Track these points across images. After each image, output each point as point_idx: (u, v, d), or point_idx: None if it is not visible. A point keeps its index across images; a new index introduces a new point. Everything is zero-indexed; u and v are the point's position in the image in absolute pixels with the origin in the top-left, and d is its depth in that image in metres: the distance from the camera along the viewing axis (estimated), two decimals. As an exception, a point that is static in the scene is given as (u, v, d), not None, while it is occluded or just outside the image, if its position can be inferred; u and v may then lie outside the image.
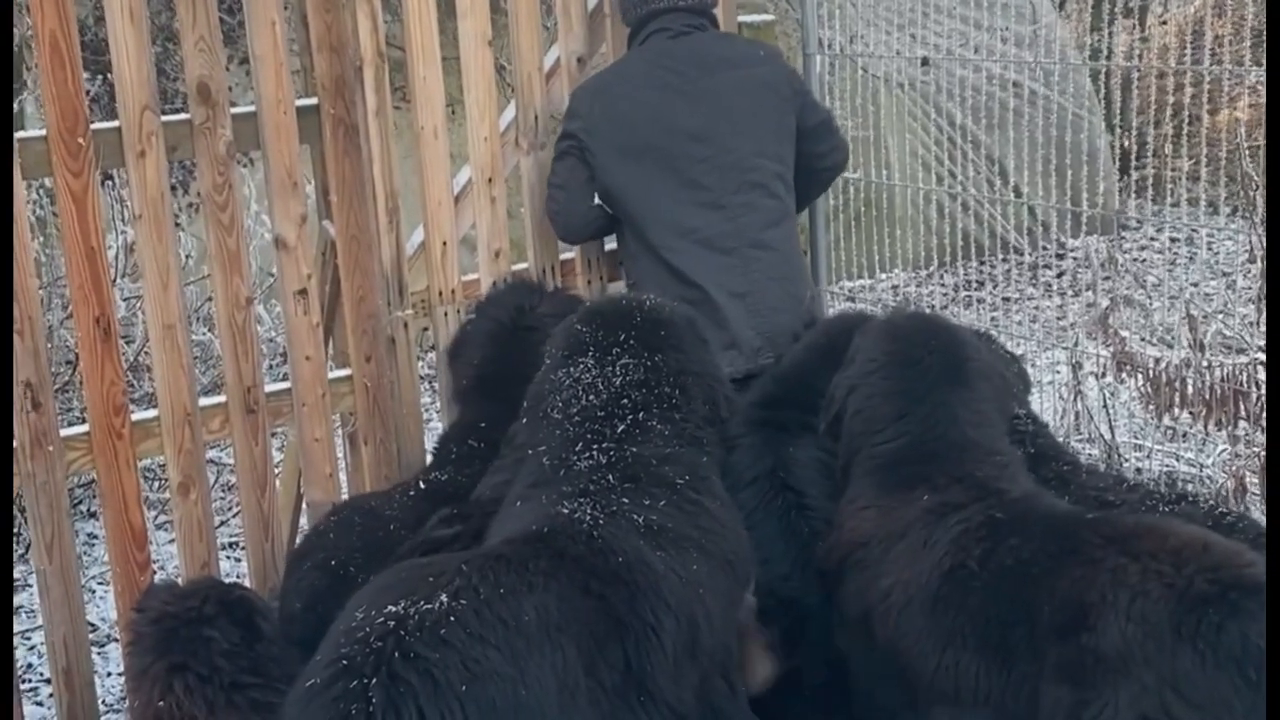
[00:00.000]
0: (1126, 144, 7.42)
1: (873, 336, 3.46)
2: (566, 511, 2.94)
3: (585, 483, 3.05)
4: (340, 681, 2.43)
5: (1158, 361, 3.77)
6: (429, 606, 2.51)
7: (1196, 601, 2.65)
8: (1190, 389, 3.73)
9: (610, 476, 3.07)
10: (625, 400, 3.26)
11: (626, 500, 3.00)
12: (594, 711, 2.66)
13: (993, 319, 6.03)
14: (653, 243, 4.10)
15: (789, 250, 4.19)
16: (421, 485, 3.62)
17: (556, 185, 4.23)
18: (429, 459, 3.95)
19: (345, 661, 2.46)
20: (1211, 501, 3.25)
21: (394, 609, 2.51)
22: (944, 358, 3.33)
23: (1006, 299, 6.21)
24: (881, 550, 3.13)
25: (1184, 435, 4.60)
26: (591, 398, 3.27)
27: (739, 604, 3.16)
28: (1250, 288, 6.61)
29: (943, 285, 6.70)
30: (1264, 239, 3.78)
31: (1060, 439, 4.45)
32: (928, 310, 3.79)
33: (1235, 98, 6.95)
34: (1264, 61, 3.38)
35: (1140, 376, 3.85)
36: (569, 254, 4.45)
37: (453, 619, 2.50)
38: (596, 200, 4.16)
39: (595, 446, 3.15)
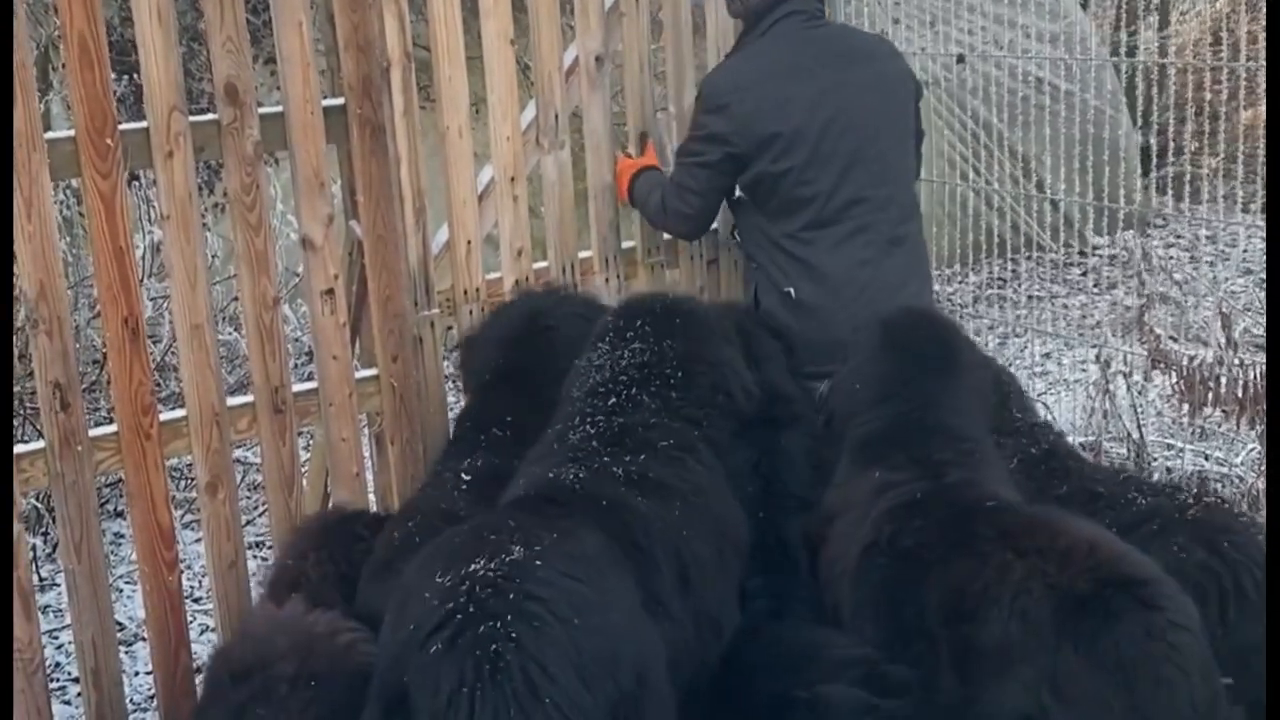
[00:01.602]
0: (1153, 141, 7.38)
1: (869, 329, 3.57)
2: (553, 476, 3.06)
3: (574, 451, 3.17)
4: (467, 631, 2.47)
5: (1192, 359, 3.74)
6: (513, 557, 2.59)
7: (1077, 602, 2.70)
8: (1224, 387, 3.70)
9: (595, 443, 3.19)
10: (624, 378, 3.38)
11: (608, 459, 3.12)
12: (653, 627, 2.78)
13: (1018, 316, 6.01)
14: (788, 232, 4.12)
15: (920, 246, 4.25)
16: (466, 476, 3.58)
17: (694, 192, 4.21)
18: (446, 449, 3.93)
19: (460, 615, 2.50)
20: (1195, 496, 3.25)
21: (478, 566, 2.57)
22: (932, 347, 3.44)
23: (1031, 297, 6.18)
24: (836, 525, 3.26)
25: (1211, 434, 4.57)
26: (597, 377, 3.40)
27: (731, 566, 3.20)
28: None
29: (969, 283, 6.67)
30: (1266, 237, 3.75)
31: (1090, 438, 4.44)
32: (931, 308, 3.81)
33: (1260, 94, 6.91)
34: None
35: (1174, 374, 3.82)
36: (586, 253, 4.47)
37: (540, 562, 2.59)
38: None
39: (589, 420, 3.27)
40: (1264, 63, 3.75)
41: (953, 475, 3.18)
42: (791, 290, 4.12)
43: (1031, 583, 2.76)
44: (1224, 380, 3.75)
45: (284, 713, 2.77)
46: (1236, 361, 3.64)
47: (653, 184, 4.39)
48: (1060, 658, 2.68)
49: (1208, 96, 3.90)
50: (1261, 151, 4.04)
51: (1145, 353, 4.16)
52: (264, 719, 2.77)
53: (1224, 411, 3.84)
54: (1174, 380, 3.92)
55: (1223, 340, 3.75)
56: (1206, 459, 4.59)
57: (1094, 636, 2.66)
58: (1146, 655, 2.61)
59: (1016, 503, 3.14)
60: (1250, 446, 4.47)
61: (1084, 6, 8.32)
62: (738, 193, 4.24)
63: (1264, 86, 6.81)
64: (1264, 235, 6.12)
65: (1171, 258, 6.20)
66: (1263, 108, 6.62)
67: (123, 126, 3.57)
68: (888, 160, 4.12)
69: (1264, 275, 6.84)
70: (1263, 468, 4.19)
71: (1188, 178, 4.17)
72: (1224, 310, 3.89)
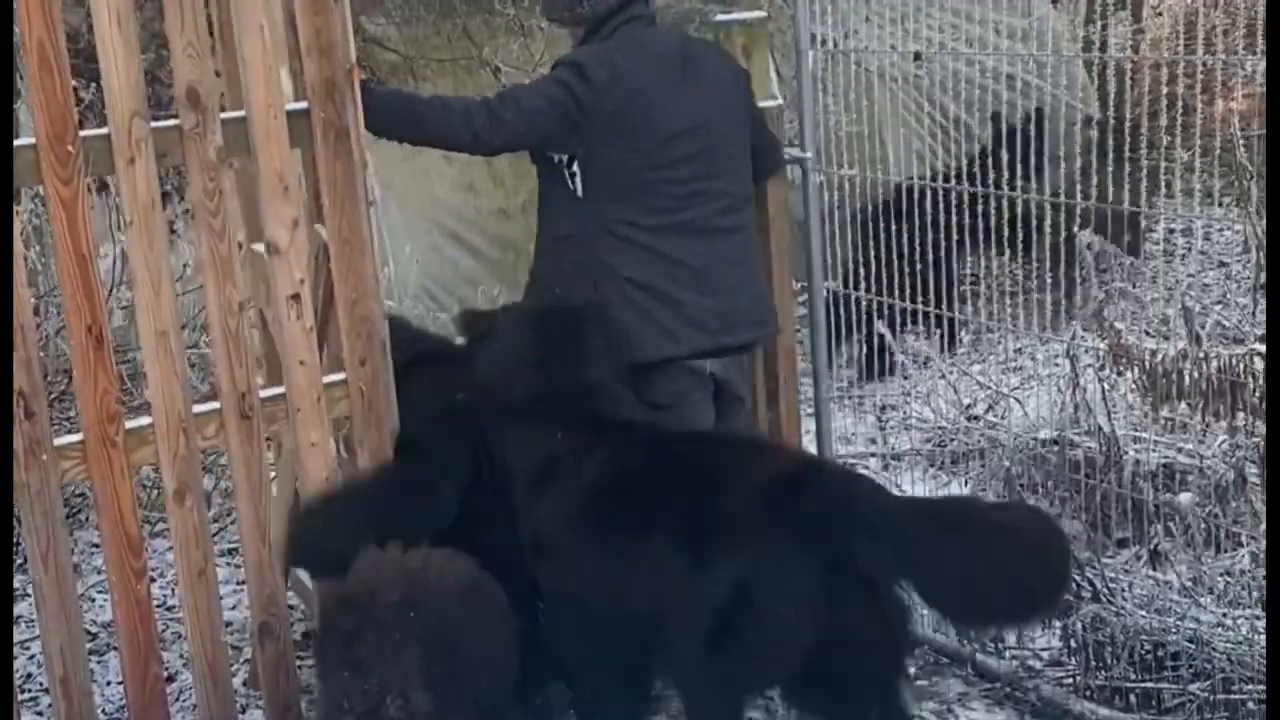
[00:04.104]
0: (1121, 136, 7.40)
1: (510, 316, 4.28)
2: None
3: None
4: None
5: (1154, 354, 3.75)
6: None
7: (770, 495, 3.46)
8: (1187, 380, 3.71)
9: None
10: None
11: None
12: None
13: (990, 312, 6.02)
14: (624, 219, 4.19)
15: (748, 235, 4.41)
16: None
17: (532, 109, 4.14)
18: None
19: None
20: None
21: None
22: (564, 321, 4.08)
23: (1003, 292, 6.19)
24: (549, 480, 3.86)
25: (1183, 427, 4.58)
26: None
27: None
28: (1249, 277, 6.61)
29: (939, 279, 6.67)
30: (1259, 232, 3.77)
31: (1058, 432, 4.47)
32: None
33: (1231, 88, 6.93)
34: (1259, 50, 3.35)
35: (1137, 369, 3.83)
36: None
37: None
38: (559, 160, 4.22)
39: None
40: (1230, 56, 3.75)
41: (620, 418, 3.91)
42: (635, 277, 4.20)
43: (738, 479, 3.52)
44: (1188, 374, 3.76)
45: (389, 635, 3.32)
46: (1200, 355, 3.64)
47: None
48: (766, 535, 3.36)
49: (1180, 90, 3.90)
50: (1230, 146, 4.06)
51: (1104, 347, 4.16)
52: (372, 642, 3.32)
53: (1189, 405, 3.85)
54: (1136, 375, 3.94)
55: (1184, 334, 3.75)
56: (1178, 451, 4.59)
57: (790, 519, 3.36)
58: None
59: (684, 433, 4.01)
60: (1220, 439, 4.47)
61: (1054, 2, 8.33)
62: (578, 184, 4.22)
63: (1233, 81, 6.85)
64: (1235, 228, 6.16)
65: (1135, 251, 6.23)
66: (1234, 103, 6.66)
67: (84, 133, 3.56)
68: (728, 155, 4.27)
69: (1236, 268, 6.88)
70: (1233, 459, 4.21)
71: (1156, 172, 4.17)
72: (1187, 304, 3.90)
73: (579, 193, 4.21)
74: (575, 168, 4.20)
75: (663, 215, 4.21)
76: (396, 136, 4.27)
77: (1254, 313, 4.26)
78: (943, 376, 5.69)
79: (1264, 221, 3.54)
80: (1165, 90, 3.93)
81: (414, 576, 3.47)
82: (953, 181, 4.28)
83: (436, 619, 3.38)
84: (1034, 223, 3.88)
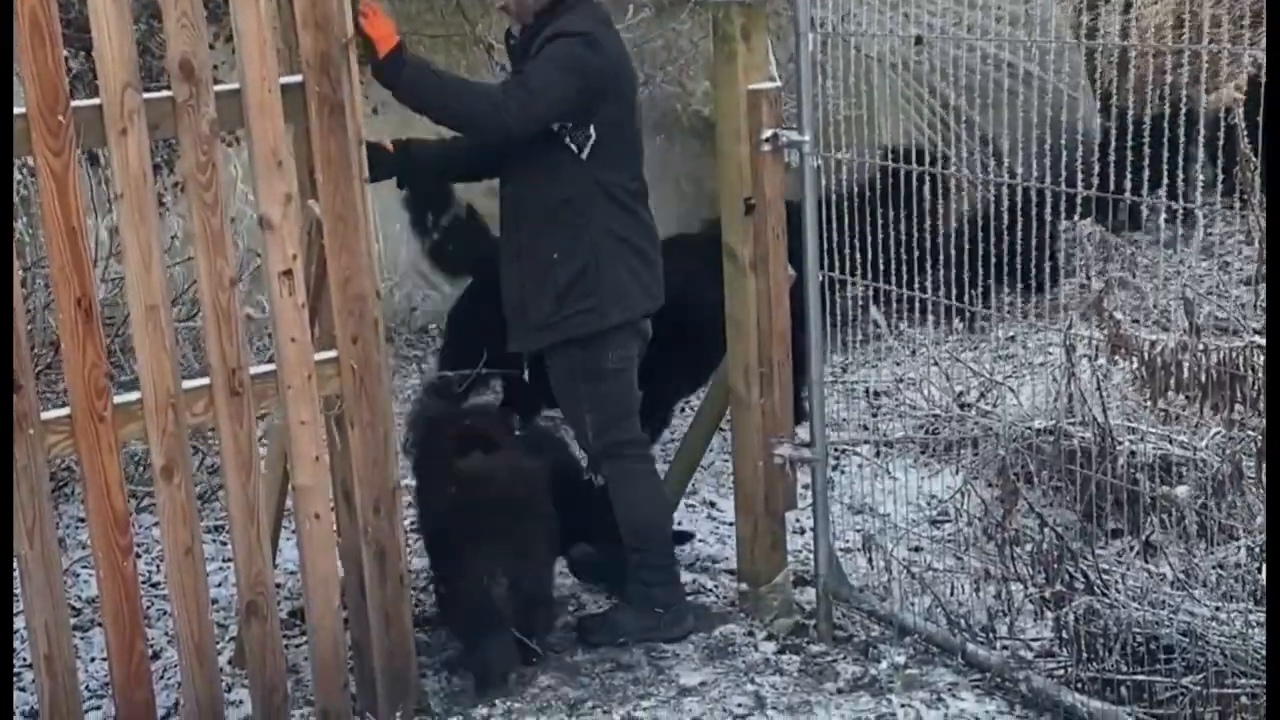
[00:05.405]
0: (1120, 125, 7.38)
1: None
2: None
3: None
4: None
5: (1153, 345, 3.72)
6: None
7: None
8: (1186, 372, 3.68)
9: None
10: None
11: None
12: None
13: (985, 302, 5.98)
14: (618, 182, 4.46)
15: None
16: None
17: (560, 94, 4.31)
18: None
19: None
20: None
21: None
22: None
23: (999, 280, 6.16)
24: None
25: (1176, 418, 4.56)
26: None
27: None
28: (1243, 269, 6.59)
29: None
30: (1261, 222, 3.73)
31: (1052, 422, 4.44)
32: None
33: (1230, 76, 6.91)
34: (1256, 39, 3.32)
35: (1135, 360, 3.80)
36: None
37: None
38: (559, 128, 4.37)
39: None
40: (1226, 46, 3.72)
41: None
42: (628, 237, 4.48)
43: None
44: (1186, 366, 3.73)
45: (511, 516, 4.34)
46: (1200, 347, 3.61)
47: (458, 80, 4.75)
48: None
49: (1168, 79, 3.87)
50: (1230, 134, 4.01)
51: (1105, 338, 4.13)
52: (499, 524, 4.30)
53: (1187, 397, 3.83)
54: (1135, 366, 3.91)
55: (1185, 325, 3.72)
56: (1170, 443, 4.57)
57: None
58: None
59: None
60: (1215, 431, 4.46)
61: (1054, -9, 8.29)
62: (583, 150, 4.38)
63: (1229, 70, 6.83)
64: (1228, 219, 6.13)
65: (1136, 242, 6.19)
66: (1225, 91, 6.63)
67: (76, 104, 3.51)
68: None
69: (1228, 259, 6.85)
70: (1229, 452, 4.19)
71: (1155, 160, 4.13)
72: (1187, 295, 3.87)
73: (582, 157, 4.38)
74: (579, 135, 4.36)
75: (638, 179, 4.56)
76: (426, 113, 4.35)
77: (1255, 305, 4.24)
78: (935, 364, 5.67)
79: (1264, 213, 3.52)
80: (1168, 79, 3.89)
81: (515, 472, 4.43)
82: (952, 167, 4.16)
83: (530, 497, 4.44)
84: (1033, 209, 3.82)
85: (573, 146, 4.36)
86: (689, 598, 4.83)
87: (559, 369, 4.59)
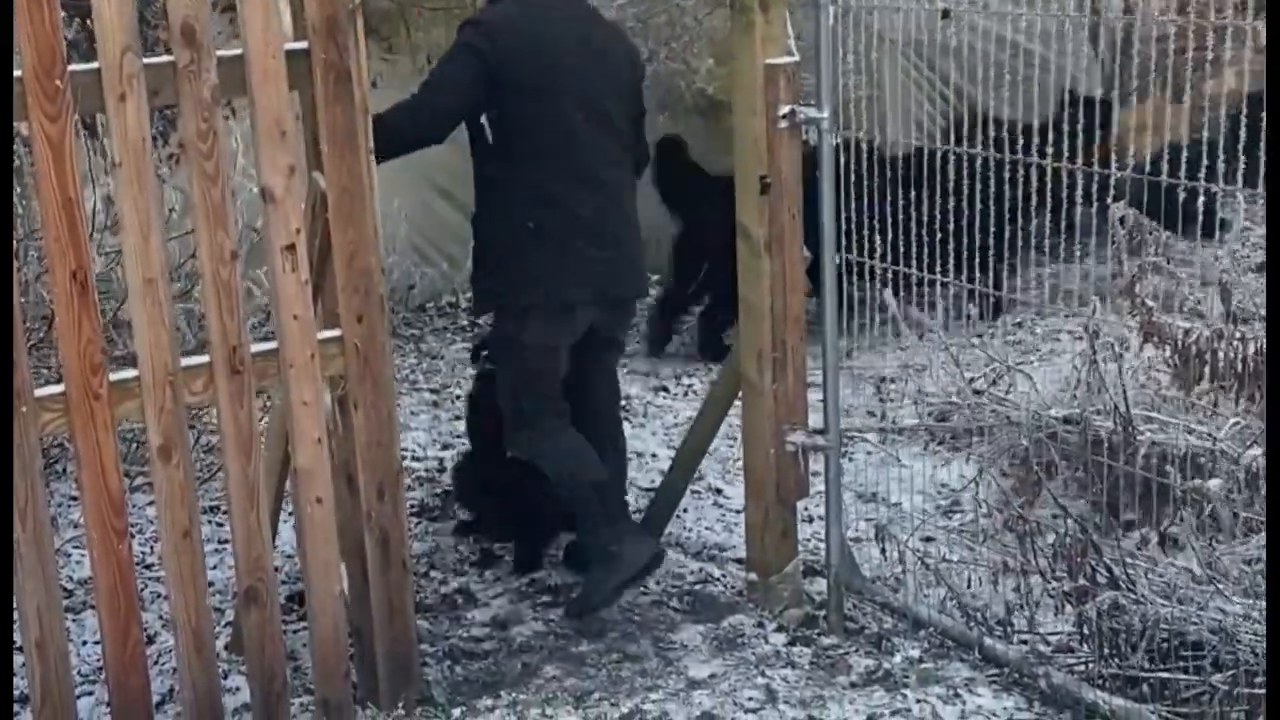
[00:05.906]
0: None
1: None
2: None
3: None
4: None
5: (1187, 333, 3.60)
6: None
7: None
8: (1221, 361, 3.57)
9: None
10: None
11: None
12: None
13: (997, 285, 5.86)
14: (546, 177, 4.46)
15: (631, 196, 4.72)
16: None
17: (460, 84, 4.38)
18: None
19: None
20: None
21: None
22: None
23: (1012, 265, 6.04)
24: None
25: (1192, 407, 4.45)
26: None
27: None
28: (1249, 256, 6.48)
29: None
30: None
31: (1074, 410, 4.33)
32: None
33: (1235, 59, 6.82)
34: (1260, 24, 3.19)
35: (1168, 348, 3.68)
36: None
37: None
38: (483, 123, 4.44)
39: None
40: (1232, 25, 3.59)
41: None
42: (542, 225, 4.47)
43: None
44: (1221, 355, 3.61)
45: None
46: (1238, 335, 3.49)
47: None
48: None
49: (1170, 60, 3.75)
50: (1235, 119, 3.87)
51: (1135, 325, 4.01)
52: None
53: (1222, 387, 3.71)
54: (1168, 354, 3.79)
55: (1223, 313, 3.60)
56: (1190, 433, 4.46)
57: None
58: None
59: None
60: (1234, 420, 4.34)
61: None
62: (488, 135, 4.44)
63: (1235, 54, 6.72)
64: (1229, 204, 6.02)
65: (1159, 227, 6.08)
66: (1228, 75, 6.53)
67: (73, 68, 3.37)
68: (613, 120, 4.58)
69: (1234, 247, 6.74)
70: (1248, 442, 4.08)
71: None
72: (1224, 281, 3.75)
73: (490, 143, 4.45)
74: (484, 120, 4.43)
75: (576, 174, 4.50)
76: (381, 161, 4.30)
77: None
78: (945, 348, 5.55)
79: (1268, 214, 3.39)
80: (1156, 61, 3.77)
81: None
82: (978, 148, 4.03)
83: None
84: (1064, 192, 3.70)
85: (488, 133, 4.45)
86: (696, 586, 4.72)
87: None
